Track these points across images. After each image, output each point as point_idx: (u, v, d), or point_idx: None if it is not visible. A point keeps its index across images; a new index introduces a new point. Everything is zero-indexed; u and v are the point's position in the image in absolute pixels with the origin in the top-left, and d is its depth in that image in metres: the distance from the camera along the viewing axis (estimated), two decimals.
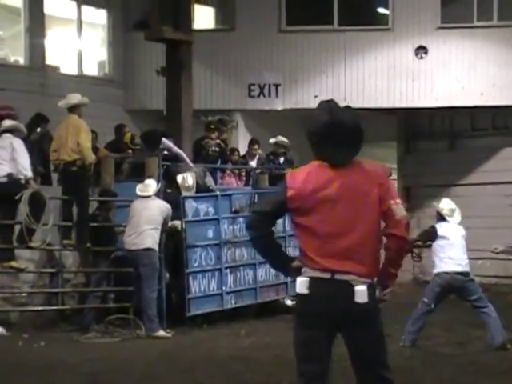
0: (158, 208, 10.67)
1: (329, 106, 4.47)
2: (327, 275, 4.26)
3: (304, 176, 4.35)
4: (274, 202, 4.44)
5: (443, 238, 9.24)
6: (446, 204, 9.58)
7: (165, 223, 10.70)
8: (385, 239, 4.34)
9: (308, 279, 4.29)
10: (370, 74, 15.95)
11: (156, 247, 10.52)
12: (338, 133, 4.32)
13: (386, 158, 17.40)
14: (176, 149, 12.37)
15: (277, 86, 16.00)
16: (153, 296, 10.37)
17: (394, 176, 17.59)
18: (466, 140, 17.75)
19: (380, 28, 16.15)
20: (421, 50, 15.84)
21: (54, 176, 11.82)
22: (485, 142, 17.23)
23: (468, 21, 15.96)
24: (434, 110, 16.31)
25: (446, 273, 9.08)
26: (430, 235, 9.39)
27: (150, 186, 10.88)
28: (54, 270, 11.14)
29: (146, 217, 10.50)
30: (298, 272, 4.35)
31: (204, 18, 16.90)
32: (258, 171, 13.58)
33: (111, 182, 11.74)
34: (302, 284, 4.32)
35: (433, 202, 14.87)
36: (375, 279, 4.33)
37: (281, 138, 14.00)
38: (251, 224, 4.48)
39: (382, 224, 4.34)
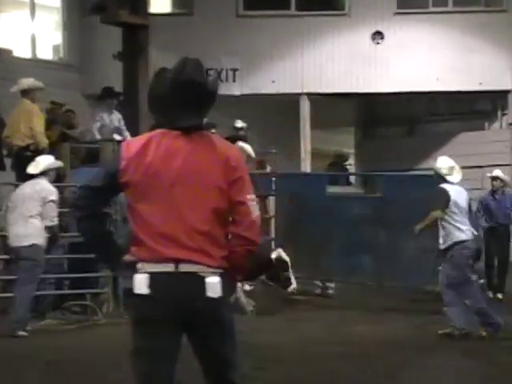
0: (37, 191, 9.20)
1: (181, 62, 3.73)
2: (170, 267, 3.56)
3: (142, 145, 3.66)
4: (104, 175, 3.73)
5: (454, 202, 8.55)
6: (443, 162, 8.83)
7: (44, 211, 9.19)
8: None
9: (148, 276, 3.58)
10: (328, 60, 15.97)
11: (39, 241, 9.16)
12: (186, 91, 3.65)
13: (344, 144, 17.48)
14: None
15: (234, 70, 15.95)
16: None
17: (352, 161, 17.67)
18: (424, 125, 17.88)
19: (337, 13, 16.18)
20: (377, 36, 15.92)
21: (8, 161, 11.65)
22: (443, 127, 17.36)
23: (424, 6, 16.10)
24: (392, 95, 16.37)
25: (467, 241, 8.53)
26: (448, 201, 8.53)
27: (39, 163, 9.42)
28: (7, 257, 10.96)
29: (24, 202, 9.17)
30: (130, 268, 3.64)
31: (161, 1, 16.76)
32: None
33: (66, 167, 11.57)
34: (140, 282, 3.59)
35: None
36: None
37: (240, 123, 13.97)
38: (77, 202, 3.79)
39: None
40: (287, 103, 15.82)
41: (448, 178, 8.64)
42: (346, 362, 7.45)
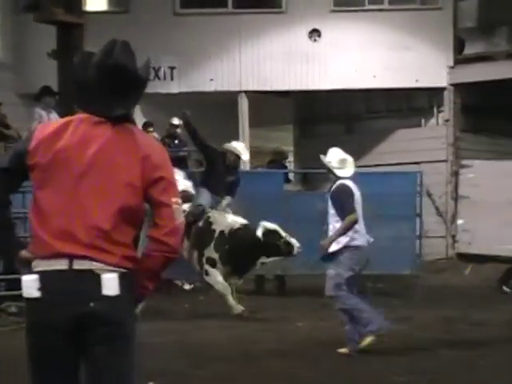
0: None
1: (109, 43, 3.42)
2: (63, 264, 3.18)
3: (58, 127, 3.33)
4: (12, 156, 3.37)
5: (354, 201, 7.58)
6: (333, 155, 7.93)
7: None
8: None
9: (37, 276, 3.19)
10: (266, 57, 15.99)
11: None
12: (113, 76, 3.32)
13: (282, 141, 17.50)
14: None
15: (172, 68, 15.87)
16: None
17: (291, 159, 17.71)
18: (361, 122, 17.98)
19: (274, 11, 16.20)
20: (314, 33, 15.99)
21: None
22: (380, 124, 17.49)
23: (360, 4, 16.22)
24: (330, 92, 16.45)
25: (360, 247, 7.56)
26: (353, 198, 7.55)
27: None
28: None
29: None
30: (26, 265, 3.27)
31: None
32: None
33: None
34: (29, 284, 3.20)
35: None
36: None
37: (177, 120, 13.90)
38: None
39: None
40: (226, 101, 15.79)
41: (338, 172, 7.71)
42: (283, 359, 7.45)
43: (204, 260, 10.35)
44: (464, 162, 16.42)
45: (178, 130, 13.87)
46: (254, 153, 16.19)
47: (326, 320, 9.46)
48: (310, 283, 11.76)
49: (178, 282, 12.74)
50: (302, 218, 11.72)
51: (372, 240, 7.76)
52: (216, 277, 10.23)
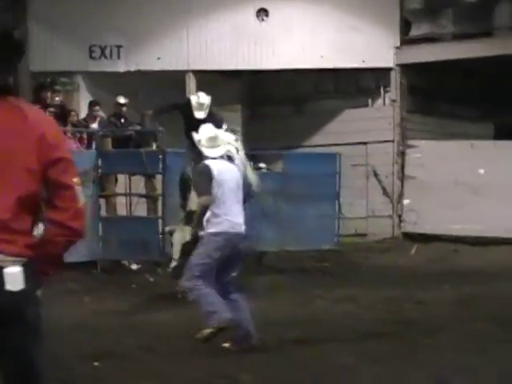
0: None
1: None
2: None
3: None
4: None
5: (218, 183, 6.95)
6: (202, 132, 7.20)
7: None
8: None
9: None
10: (213, 37, 15.88)
11: None
12: None
13: (231, 122, 17.43)
14: None
15: (119, 47, 15.65)
16: None
17: (240, 139, 17.66)
18: (309, 103, 18.00)
19: None
20: (262, 13, 15.93)
21: None
22: (328, 105, 17.53)
23: None
24: (278, 73, 16.44)
25: (222, 233, 6.88)
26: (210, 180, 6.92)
27: None
28: None
29: None
30: None
31: None
32: (101, 134, 13.31)
33: None
34: None
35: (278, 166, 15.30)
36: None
37: (123, 99, 13.77)
38: None
39: None
40: (173, 80, 15.66)
41: (205, 151, 7.11)
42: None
43: None
44: (410, 142, 16.57)
45: (124, 109, 13.74)
46: None
47: (268, 300, 9.50)
48: None
49: (125, 263, 12.68)
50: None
51: (244, 228, 7.00)
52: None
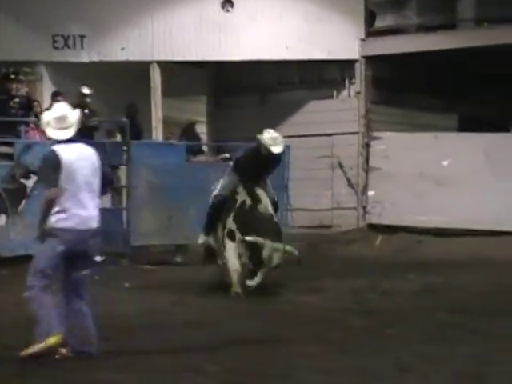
0: None
1: None
2: None
3: None
4: None
5: (67, 172, 6.10)
6: (51, 112, 6.29)
7: None
8: None
9: None
10: (178, 27, 15.80)
11: None
12: None
13: (196, 112, 17.39)
14: None
15: (82, 37, 15.50)
16: None
17: (204, 130, 17.63)
18: (274, 94, 17.99)
19: None
20: (227, 3, 15.87)
21: None
22: (293, 96, 17.53)
23: None
24: (243, 63, 16.40)
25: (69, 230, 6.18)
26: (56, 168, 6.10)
27: None
28: None
29: None
30: None
31: None
32: None
33: None
34: None
35: None
36: None
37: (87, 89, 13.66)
38: None
39: None
40: (138, 71, 15.56)
41: (53, 133, 6.19)
42: (193, 329, 7.45)
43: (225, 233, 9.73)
44: (375, 133, 16.63)
45: (88, 100, 13.62)
46: (167, 123, 16.06)
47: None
48: None
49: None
50: (205, 188, 11.78)
51: (97, 222, 6.38)
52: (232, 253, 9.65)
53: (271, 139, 9.59)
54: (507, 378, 5.55)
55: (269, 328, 7.50)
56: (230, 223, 9.67)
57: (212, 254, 10.22)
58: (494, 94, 17.85)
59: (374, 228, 15.98)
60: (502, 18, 16.11)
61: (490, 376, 5.56)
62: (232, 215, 9.67)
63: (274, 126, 16.97)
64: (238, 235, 9.56)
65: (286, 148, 14.04)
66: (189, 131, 15.06)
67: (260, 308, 8.67)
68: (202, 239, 10.12)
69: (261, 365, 6.05)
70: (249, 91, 17.97)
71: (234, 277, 9.58)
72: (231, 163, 10.25)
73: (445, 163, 15.85)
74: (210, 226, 9.97)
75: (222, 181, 10.02)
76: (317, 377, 5.68)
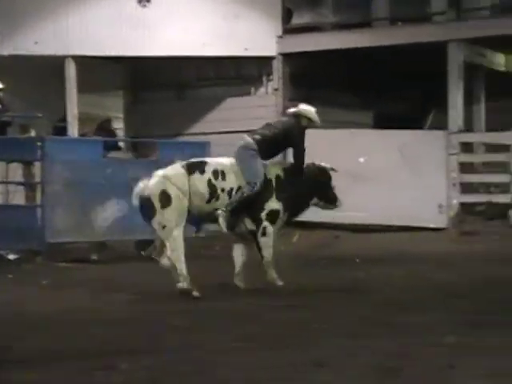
0: None
1: None
2: None
3: None
4: None
5: None
6: None
7: None
8: None
9: None
10: (94, 21, 15.60)
11: None
12: None
13: (112, 108, 17.22)
14: None
15: None
16: None
17: (121, 126, 17.47)
18: (192, 90, 17.95)
19: None
20: None
21: None
22: (210, 92, 17.52)
23: None
24: (160, 59, 16.30)
25: None
26: None
27: None
28: None
29: None
30: None
31: None
32: None
33: None
34: None
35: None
36: None
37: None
38: None
39: None
40: (52, 66, 15.31)
41: None
42: (111, 327, 7.39)
43: (263, 216, 9.45)
44: None
45: (1, 94, 13.35)
46: (83, 119, 15.86)
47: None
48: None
49: (2, 252, 12.34)
50: (122, 185, 11.69)
51: None
52: (270, 240, 9.44)
53: (312, 111, 9.53)
54: (419, 371, 5.64)
55: (186, 324, 7.46)
56: (273, 204, 9.45)
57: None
58: (410, 91, 18.20)
59: (292, 224, 16.03)
60: (416, 17, 16.45)
61: (402, 369, 5.64)
62: (274, 195, 9.44)
63: (191, 123, 17.18)
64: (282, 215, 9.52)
65: (207, 143, 14.14)
66: (104, 127, 14.90)
67: (175, 304, 8.63)
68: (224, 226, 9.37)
69: (175, 362, 6.01)
70: (166, 87, 17.88)
71: (273, 270, 9.44)
72: (252, 146, 9.60)
73: (361, 160, 16.02)
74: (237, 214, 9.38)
75: (243, 165, 9.46)
76: (231, 373, 5.66)
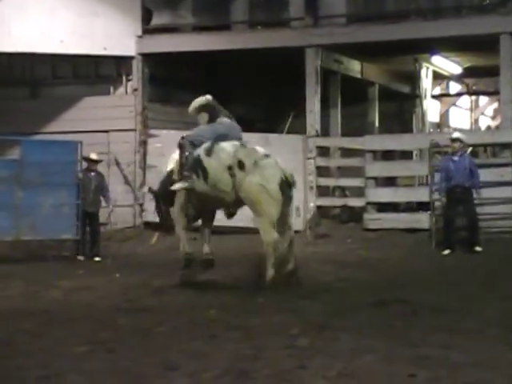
0: None
1: None
2: None
3: None
4: None
5: None
6: None
7: None
8: None
9: None
10: None
11: None
12: None
13: None
14: None
15: None
16: None
17: None
18: (47, 88, 17.53)
19: None
20: None
21: None
22: (67, 91, 17.17)
23: None
24: (13, 55, 15.82)
25: None
26: None
27: None
28: None
29: None
30: None
31: None
32: None
33: None
34: None
35: (11, 152, 14.67)
36: None
37: None
38: None
39: None
40: None
41: None
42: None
43: None
44: (151, 131, 16.60)
45: None
46: None
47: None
48: None
49: None
50: None
51: None
52: None
53: None
54: (271, 372, 5.68)
55: (36, 327, 7.26)
56: None
57: None
58: (268, 95, 18.40)
59: (151, 226, 15.92)
60: (274, 21, 16.68)
61: (253, 371, 5.66)
62: None
63: (47, 121, 16.73)
64: None
65: (79, 143, 13.80)
66: None
67: (28, 307, 8.40)
68: None
69: (20, 365, 5.83)
70: (19, 84, 17.38)
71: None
72: None
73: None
74: None
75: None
76: (80, 378, 5.53)
